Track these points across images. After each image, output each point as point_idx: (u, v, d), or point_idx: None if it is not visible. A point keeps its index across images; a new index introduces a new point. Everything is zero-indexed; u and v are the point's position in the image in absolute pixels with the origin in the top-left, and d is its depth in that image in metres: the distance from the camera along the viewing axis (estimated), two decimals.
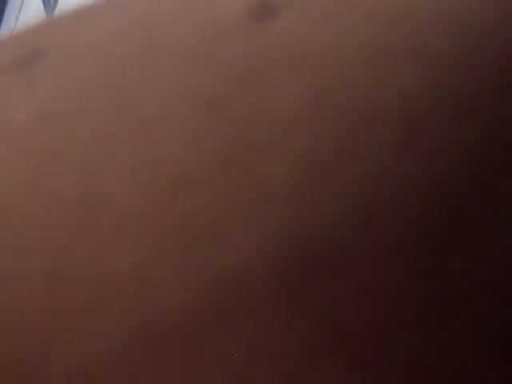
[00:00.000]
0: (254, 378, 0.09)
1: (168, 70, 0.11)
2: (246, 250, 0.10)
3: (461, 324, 0.10)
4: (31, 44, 0.12)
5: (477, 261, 0.10)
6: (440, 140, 0.10)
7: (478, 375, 0.10)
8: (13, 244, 0.10)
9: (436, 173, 0.10)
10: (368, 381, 0.09)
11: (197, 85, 0.10)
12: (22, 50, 0.12)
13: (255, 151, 0.10)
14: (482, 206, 0.10)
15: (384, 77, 0.10)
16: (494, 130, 0.10)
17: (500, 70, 0.10)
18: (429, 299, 0.10)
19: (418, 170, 0.10)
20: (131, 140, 0.10)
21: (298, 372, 0.09)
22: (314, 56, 0.10)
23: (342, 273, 0.10)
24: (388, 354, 0.10)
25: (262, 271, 0.09)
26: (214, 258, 0.09)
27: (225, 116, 0.10)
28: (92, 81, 0.11)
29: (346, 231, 0.10)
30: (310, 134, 0.10)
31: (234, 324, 0.09)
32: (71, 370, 0.09)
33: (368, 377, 0.09)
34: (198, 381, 0.09)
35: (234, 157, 0.10)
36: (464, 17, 0.10)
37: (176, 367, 0.09)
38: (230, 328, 0.09)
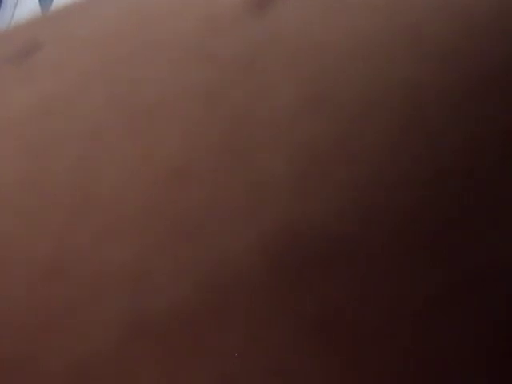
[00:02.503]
0: (252, 375, 0.09)
1: (166, 65, 0.11)
2: (245, 246, 0.09)
3: (461, 324, 0.10)
4: (28, 37, 0.12)
5: (477, 261, 0.10)
6: (440, 138, 0.10)
7: (478, 375, 0.10)
8: (9, 239, 0.10)
9: (436, 170, 0.10)
10: (368, 380, 0.09)
11: (196, 80, 0.10)
12: (19, 44, 0.12)
13: (255, 147, 0.10)
14: (482, 206, 0.10)
15: (384, 71, 0.10)
16: (495, 126, 0.10)
17: (499, 62, 0.10)
18: (429, 299, 0.10)
19: (418, 167, 0.10)
20: (130, 135, 0.10)
21: (297, 371, 0.09)
22: (313, 50, 0.10)
23: (342, 272, 0.09)
24: (387, 354, 0.09)
25: (261, 267, 0.09)
26: (214, 253, 0.09)
27: (224, 111, 0.10)
28: (90, 75, 0.11)
29: (345, 229, 0.10)
30: (310, 130, 0.10)
31: (233, 320, 0.09)
32: (70, 370, 0.09)
33: (368, 376, 0.09)
34: (196, 378, 0.09)
35: (234, 152, 0.10)
36: (464, 10, 0.10)
37: (174, 364, 0.09)
38: (229, 325, 0.09)
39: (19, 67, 0.11)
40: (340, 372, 0.09)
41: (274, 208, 0.10)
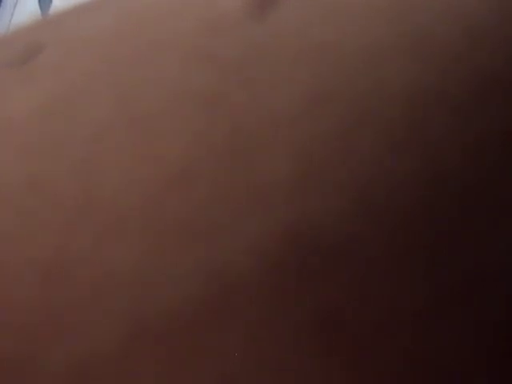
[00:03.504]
0: (252, 375, 0.09)
1: (168, 67, 0.11)
2: (245, 246, 0.09)
3: (461, 324, 0.10)
4: (29, 40, 0.12)
5: (476, 261, 0.10)
6: (440, 138, 0.10)
7: (478, 375, 0.10)
8: (11, 240, 0.10)
9: (436, 170, 0.10)
10: (368, 380, 0.09)
11: (197, 81, 0.10)
12: (21, 47, 0.12)
13: (255, 147, 0.10)
14: (482, 206, 0.10)
15: (385, 72, 0.10)
16: (495, 126, 0.10)
17: (500, 64, 0.10)
18: (429, 299, 0.10)
19: (419, 167, 0.10)
20: (131, 136, 0.10)
21: (297, 371, 0.09)
22: (314, 51, 0.10)
23: (342, 272, 0.09)
24: (387, 354, 0.09)
25: (261, 267, 0.09)
26: (214, 253, 0.09)
27: (225, 112, 0.10)
28: (91, 77, 0.11)
29: (345, 229, 0.10)
30: (310, 130, 0.10)
31: (233, 320, 0.09)
32: (70, 370, 0.09)
33: (368, 376, 0.09)
34: (197, 378, 0.09)
35: (235, 154, 0.10)
36: (464, 13, 0.10)
37: (175, 364, 0.09)
38: (229, 325, 0.09)
39: (21, 69, 0.11)
40: (340, 372, 0.09)
41: (274, 208, 0.10)
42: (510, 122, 0.10)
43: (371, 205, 0.10)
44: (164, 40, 0.11)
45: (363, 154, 0.10)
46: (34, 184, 0.10)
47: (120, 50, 0.11)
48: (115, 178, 0.10)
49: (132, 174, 0.10)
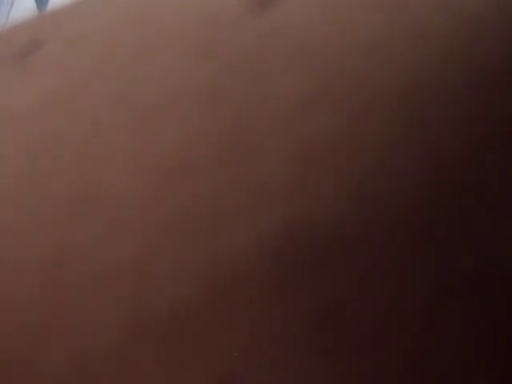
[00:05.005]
0: (252, 375, 0.09)
1: (168, 61, 0.11)
2: (244, 245, 0.09)
3: (461, 324, 0.10)
4: (29, 35, 0.12)
5: (476, 261, 0.10)
6: (440, 137, 0.10)
7: (478, 375, 0.10)
8: (9, 238, 0.10)
9: (436, 170, 0.10)
10: (368, 380, 0.09)
11: (197, 76, 0.10)
12: (20, 43, 0.12)
13: (256, 143, 0.10)
14: (482, 206, 0.10)
15: (384, 68, 0.10)
16: (495, 126, 0.10)
17: (499, 62, 0.10)
18: (429, 299, 0.10)
19: (419, 167, 0.10)
20: (132, 130, 0.10)
21: (297, 370, 0.09)
22: (315, 47, 0.10)
23: (342, 272, 0.09)
24: (388, 354, 0.09)
25: (261, 267, 0.09)
26: (214, 253, 0.09)
27: (226, 107, 0.10)
28: (92, 71, 0.11)
29: (345, 229, 0.10)
30: (311, 126, 0.10)
31: (233, 320, 0.09)
32: (70, 370, 0.09)
33: (368, 376, 0.09)
34: (197, 378, 0.09)
35: (235, 148, 0.10)
36: (462, 9, 0.10)
37: (175, 364, 0.09)
38: (229, 325, 0.09)
39: (21, 65, 0.11)
40: (340, 372, 0.09)
41: (273, 207, 0.10)
42: (510, 122, 0.10)
43: (371, 205, 0.10)
44: (164, 35, 0.11)
45: (363, 153, 0.10)
46: (33, 181, 0.10)
47: (119, 45, 0.11)
48: (115, 175, 0.10)
49: (130, 171, 0.10)
